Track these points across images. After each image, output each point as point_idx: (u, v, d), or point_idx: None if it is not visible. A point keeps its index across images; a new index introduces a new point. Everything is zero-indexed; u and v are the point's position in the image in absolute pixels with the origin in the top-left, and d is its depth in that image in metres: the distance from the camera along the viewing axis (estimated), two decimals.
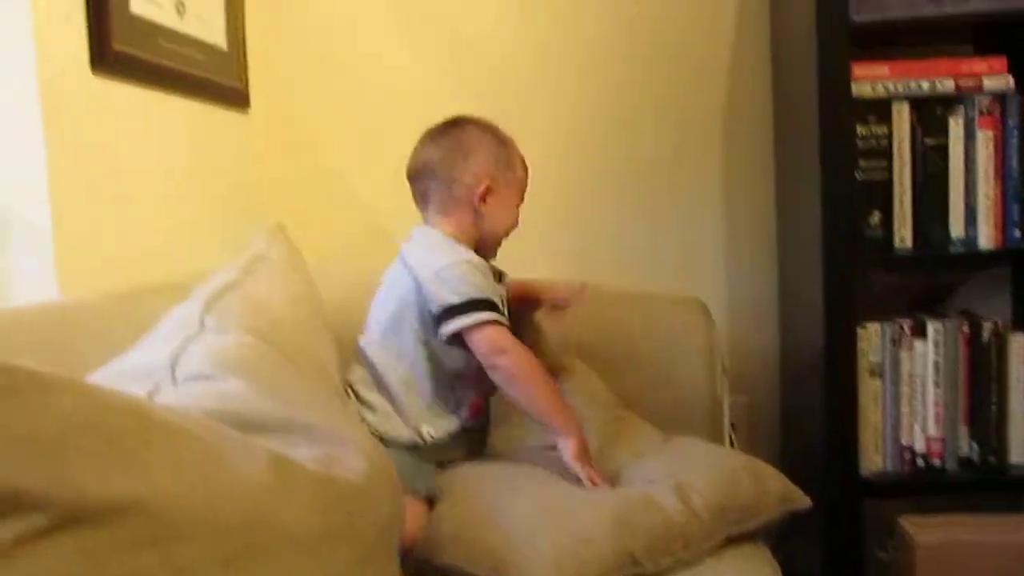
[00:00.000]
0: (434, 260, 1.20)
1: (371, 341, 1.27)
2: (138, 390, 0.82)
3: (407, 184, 1.32)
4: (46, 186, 1.14)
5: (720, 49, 1.78)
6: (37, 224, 1.14)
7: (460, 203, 1.26)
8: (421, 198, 1.29)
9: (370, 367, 1.25)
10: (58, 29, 1.16)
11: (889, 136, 1.47)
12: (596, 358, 1.39)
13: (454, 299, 1.17)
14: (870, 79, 1.45)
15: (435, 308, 1.19)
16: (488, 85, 1.80)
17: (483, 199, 1.26)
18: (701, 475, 1.12)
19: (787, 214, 1.71)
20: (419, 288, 1.20)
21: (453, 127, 1.29)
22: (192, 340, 0.93)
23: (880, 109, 1.46)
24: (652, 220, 1.81)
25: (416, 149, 1.30)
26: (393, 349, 1.24)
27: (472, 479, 1.16)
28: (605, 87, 1.80)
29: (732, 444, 1.49)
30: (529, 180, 1.35)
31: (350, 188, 1.86)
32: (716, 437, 1.43)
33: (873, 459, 1.49)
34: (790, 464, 1.42)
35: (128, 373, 0.88)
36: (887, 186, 1.47)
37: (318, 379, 1.05)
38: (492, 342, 1.16)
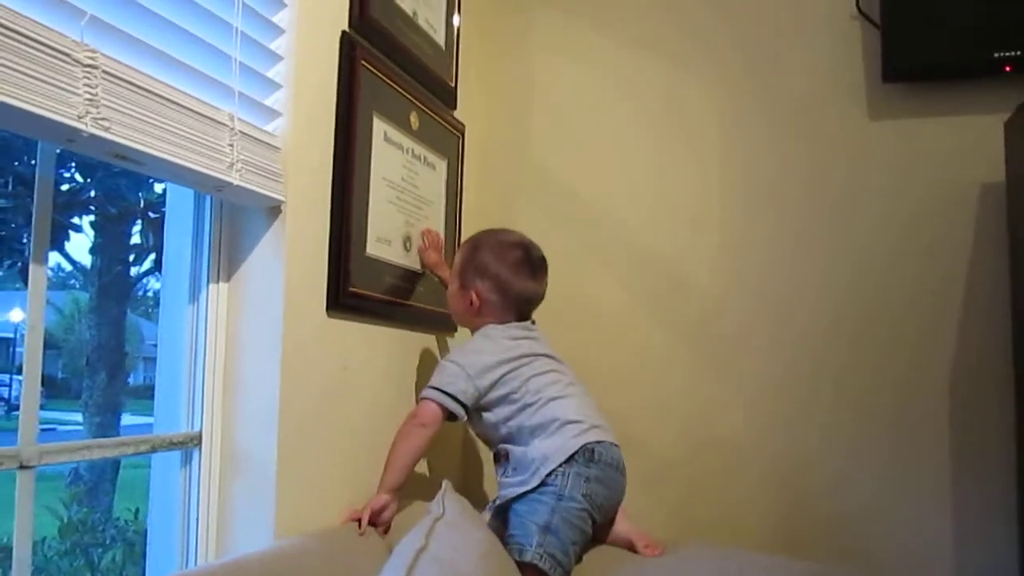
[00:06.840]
0: None
1: None
2: None
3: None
4: (277, 422, 1.19)
5: (952, 308, 1.64)
6: (265, 461, 1.18)
7: None
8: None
9: None
10: (304, 278, 1.25)
11: None
12: None
13: None
14: None
15: None
16: (695, 327, 1.77)
17: None
18: None
19: None
20: None
21: None
22: None
23: None
24: (873, 491, 1.64)
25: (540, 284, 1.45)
26: None
27: None
28: (817, 344, 1.70)
29: None
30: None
31: None
32: None
33: None
34: None
35: None
36: None
37: None
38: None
